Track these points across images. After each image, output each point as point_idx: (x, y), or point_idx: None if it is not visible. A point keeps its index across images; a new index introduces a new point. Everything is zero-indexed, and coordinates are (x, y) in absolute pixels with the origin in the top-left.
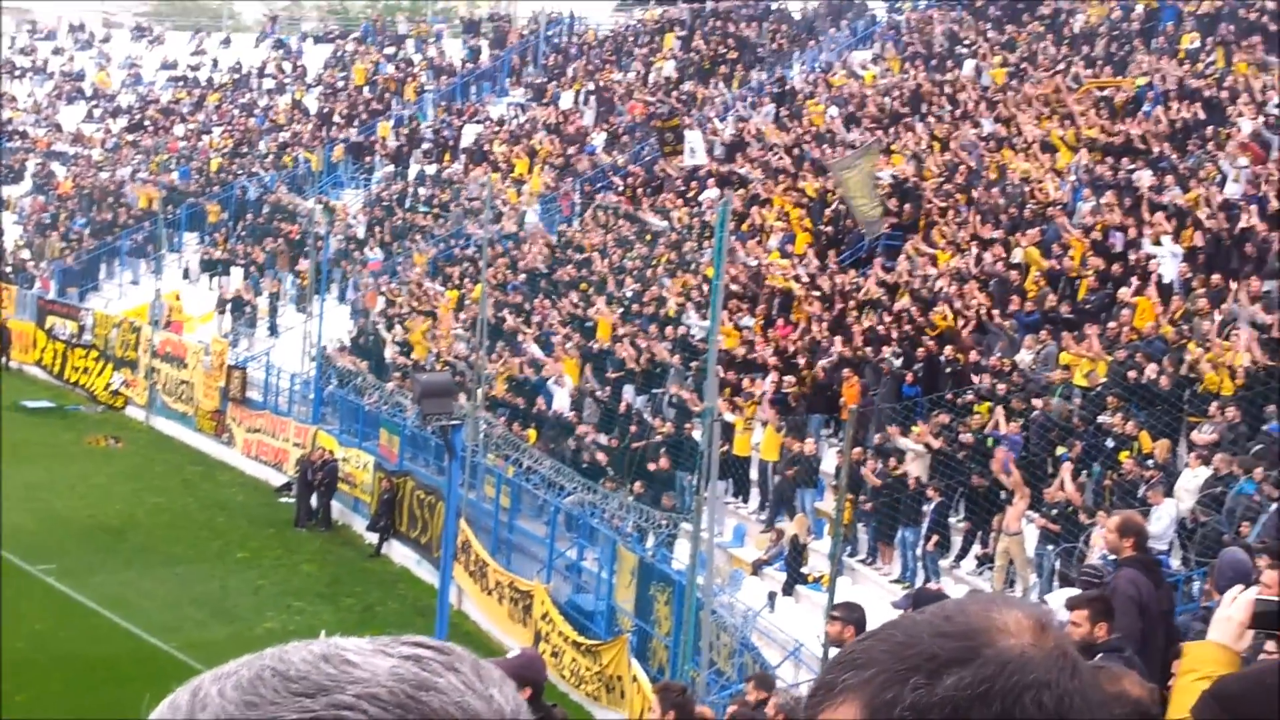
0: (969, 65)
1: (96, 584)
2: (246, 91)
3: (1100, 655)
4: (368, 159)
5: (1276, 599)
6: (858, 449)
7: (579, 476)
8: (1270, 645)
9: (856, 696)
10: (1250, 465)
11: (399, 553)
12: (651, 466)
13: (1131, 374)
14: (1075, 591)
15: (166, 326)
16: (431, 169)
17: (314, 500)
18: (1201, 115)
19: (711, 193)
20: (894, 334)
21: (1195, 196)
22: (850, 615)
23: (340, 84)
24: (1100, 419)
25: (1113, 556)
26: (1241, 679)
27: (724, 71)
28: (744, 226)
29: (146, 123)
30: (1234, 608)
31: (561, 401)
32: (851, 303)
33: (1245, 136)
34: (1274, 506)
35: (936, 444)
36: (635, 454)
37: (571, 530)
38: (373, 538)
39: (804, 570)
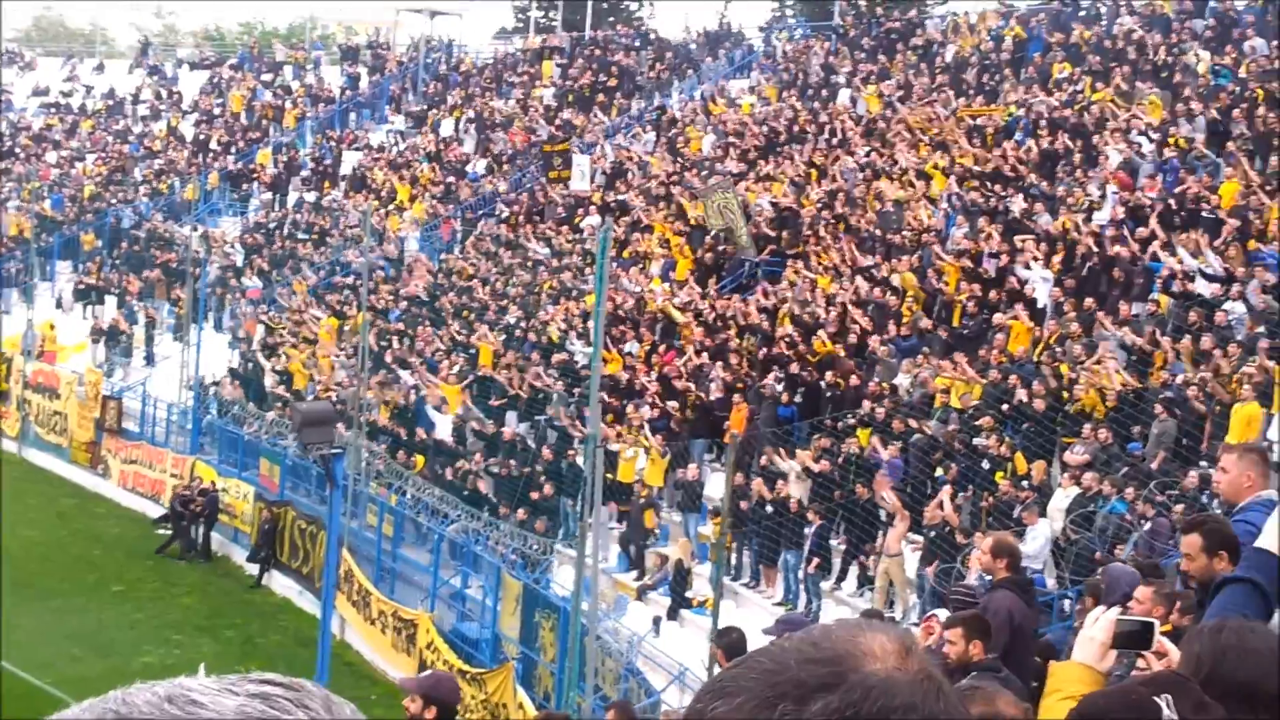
0: (844, 95)
1: None
2: (121, 118)
3: (974, 674)
4: (245, 186)
5: (1137, 618)
6: (740, 473)
7: (463, 504)
8: (1141, 663)
9: None
10: (1122, 485)
11: (280, 583)
12: (535, 495)
13: (1006, 399)
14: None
15: (39, 357)
16: (311, 196)
17: (193, 531)
18: (1070, 143)
19: (593, 220)
20: (775, 359)
21: (1065, 222)
22: (720, 640)
23: (217, 111)
24: (976, 441)
25: (988, 577)
26: (1107, 696)
27: (603, 99)
28: (625, 253)
29: (18, 150)
30: (1096, 628)
31: (444, 429)
32: (734, 329)
33: (1113, 163)
34: (1147, 525)
35: (818, 467)
36: (519, 481)
37: (455, 558)
38: (253, 569)
39: (688, 594)
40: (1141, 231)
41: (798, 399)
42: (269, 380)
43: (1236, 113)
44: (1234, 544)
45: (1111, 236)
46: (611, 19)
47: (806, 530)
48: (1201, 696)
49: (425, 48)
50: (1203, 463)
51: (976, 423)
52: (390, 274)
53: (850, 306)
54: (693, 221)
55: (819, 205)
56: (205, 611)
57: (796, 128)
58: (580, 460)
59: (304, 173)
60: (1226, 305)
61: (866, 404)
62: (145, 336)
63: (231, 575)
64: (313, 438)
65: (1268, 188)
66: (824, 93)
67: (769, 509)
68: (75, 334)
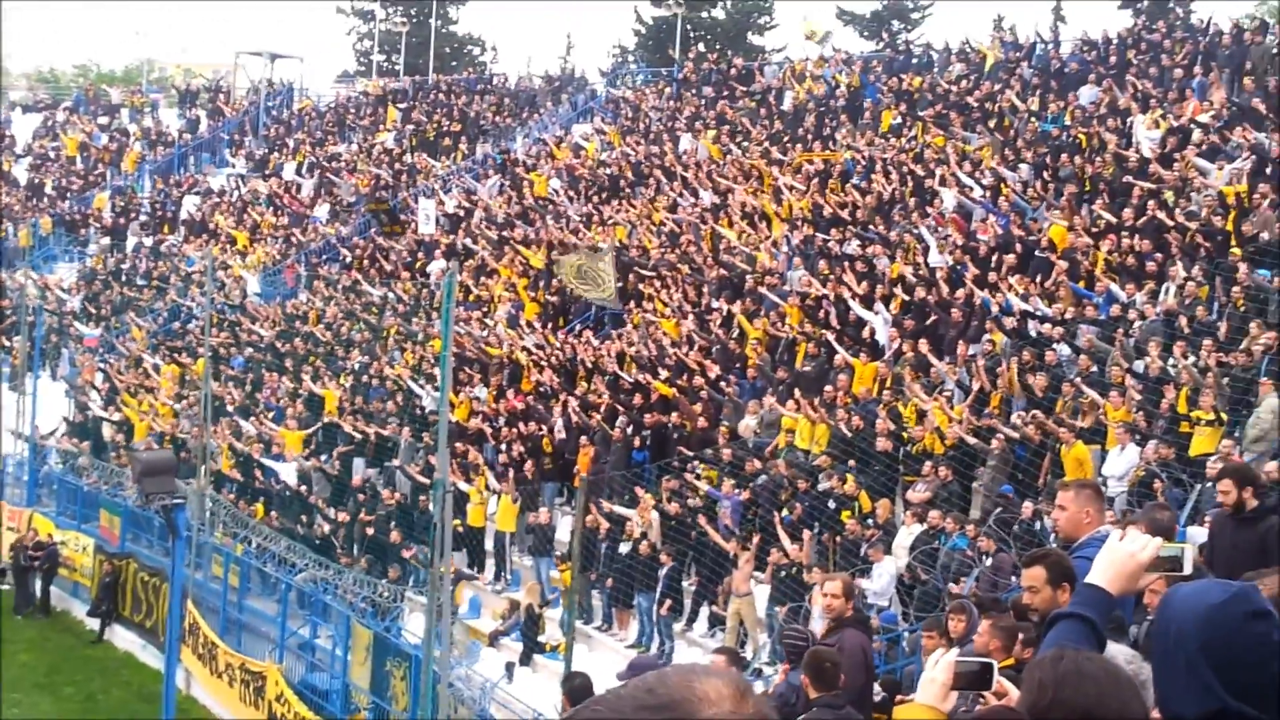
0: (685, 140)
1: None
2: None
3: (813, 710)
4: (82, 231)
5: (977, 659)
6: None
7: (311, 552)
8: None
9: None
10: (963, 521)
11: (122, 638)
12: (394, 538)
13: (852, 443)
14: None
15: None
16: (149, 241)
17: (33, 586)
18: (905, 187)
19: (438, 264)
20: (622, 402)
21: (901, 266)
22: (564, 686)
23: (51, 154)
24: (821, 480)
25: (831, 617)
26: None
27: (447, 144)
28: (471, 297)
29: None
30: (938, 670)
31: (288, 476)
32: (581, 371)
33: (947, 207)
34: (989, 561)
35: (670, 509)
36: (364, 527)
37: (304, 608)
38: (94, 623)
39: (541, 639)
40: (974, 272)
41: (648, 442)
42: (108, 430)
43: (1064, 158)
44: (1076, 577)
45: (945, 278)
46: (455, 63)
47: (659, 572)
48: None
49: (266, 91)
50: (1039, 497)
51: (815, 462)
52: (232, 320)
53: (694, 349)
54: (537, 265)
55: (661, 249)
56: (44, 668)
57: (639, 172)
58: (431, 506)
59: (142, 217)
60: (1055, 346)
61: (718, 445)
62: None
63: (71, 630)
64: (153, 487)
65: (1093, 230)
66: (665, 138)
67: (621, 551)
68: None
